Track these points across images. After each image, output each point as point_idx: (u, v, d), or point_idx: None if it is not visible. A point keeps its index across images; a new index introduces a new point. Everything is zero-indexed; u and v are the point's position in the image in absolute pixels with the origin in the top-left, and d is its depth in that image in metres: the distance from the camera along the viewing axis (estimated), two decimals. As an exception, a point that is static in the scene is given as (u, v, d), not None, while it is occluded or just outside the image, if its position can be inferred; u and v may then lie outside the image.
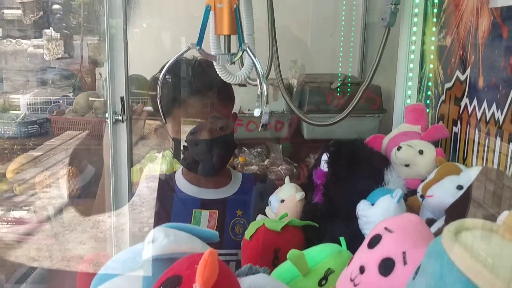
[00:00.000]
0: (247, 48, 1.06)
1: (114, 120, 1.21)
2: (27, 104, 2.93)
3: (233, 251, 1.24)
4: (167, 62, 1.38)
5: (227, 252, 1.25)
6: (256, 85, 1.15)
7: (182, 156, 1.33)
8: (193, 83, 1.32)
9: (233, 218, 1.33)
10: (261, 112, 1.08)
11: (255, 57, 1.07)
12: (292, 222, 0.99)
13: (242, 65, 1.17)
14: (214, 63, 1.10)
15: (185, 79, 1.33)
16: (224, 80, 1.12)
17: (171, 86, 1.33)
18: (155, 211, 1.36)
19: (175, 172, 1.43)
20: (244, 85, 2.10)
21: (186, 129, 1.31)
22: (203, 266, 0.56)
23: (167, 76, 1.37)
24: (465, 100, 1.07)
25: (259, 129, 1.13)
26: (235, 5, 1.03)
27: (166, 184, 1.41)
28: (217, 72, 1.12)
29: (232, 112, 1.44)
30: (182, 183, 1.38)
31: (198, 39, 1.06)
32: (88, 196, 1.56)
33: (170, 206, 1.35)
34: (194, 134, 1.29)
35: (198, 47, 1.06)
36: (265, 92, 1.07)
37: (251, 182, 1.43)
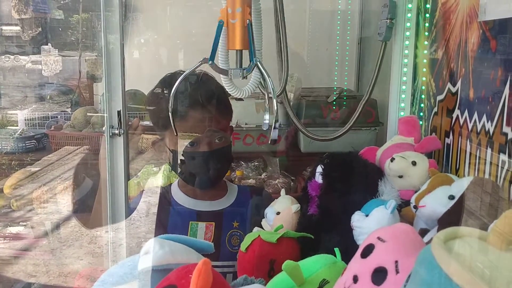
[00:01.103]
0: (258, 63, 1.08)
1: (111, 134, 1.22)
2: (25, 120, 2.95)
3: (230, 263, 1.23)
4: (165, 76, 1.40)
5: (224, 264, 1.24)
6: (264, 100, 1.17)
7: (179, 169, 1.34)
8: (191, 97, 1.32)
9: (230, 230, 1.33)
10: (271, 127, 1.10)
11: (266, 72, 1.08)
12: (287, 234, 1.00)
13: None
14: (222, 78, 1.12)
15: (184, 92, 1.33)
16: (232, 94, 1.14)
17: (172, 99, 1.33)
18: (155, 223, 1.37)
19: (171, 184, 1.43)
20: (241, 99, 2.12)
21: (183, 142, 1.31)
22: (197, 276, 0.57)
23: (164, 90, 1.39)
24: (457, 111, 1.09)
25: (269, 143, 1.14)
26: (247, 20, 1.05)
27: (162, 197, 1.41)
28: (224, 87, 1.13)
29: (229, 125, 1.45)
30: (179, 195, 1.38)
31: (211, 54, 1.07)
32: (86, 210, 1.57)
33: (166, 218, 1.36)
34: (191, 147, 1.30)
35: (210, 62, 1.08)
36: (275, 107, 1.08)
37: (247, 194, 1.44)
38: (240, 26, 1.04)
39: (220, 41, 1.07)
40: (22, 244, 2.66)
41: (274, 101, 1.08)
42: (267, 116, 1.12)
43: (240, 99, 2.09)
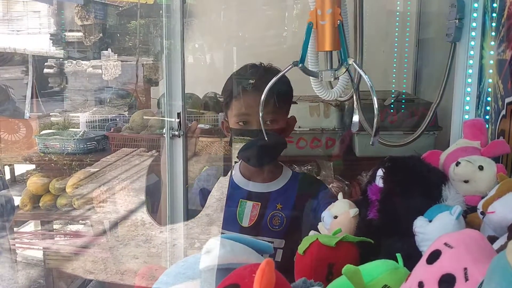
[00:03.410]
0: (353, 63, 1.07)
1: (171, 135, 1.25)
2: (86, 122, 3.06)
3: (268, 239, 1.37)
4: (246, 65, 1.53)
5: (263, 239, 1.34)
6: (345, 101, 1.16)
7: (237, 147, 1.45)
8: (255, 83, 1.43)
9: (273, 211, 1.44)
10: (375, 129, 1.08)
11: (362, 70, 1.07)
12: (346, 238, 0.98)
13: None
14: (311, 80, 1.12)
15: (249, 80, 1.45)
16: (321, 96, 1.16)
17: (236, 83, 1.47)
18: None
19: (235, 163, 1.54)
20: (295, 102, 2.11)
21: (240, 123, 1.43)
22: (260, 275, 0.57)
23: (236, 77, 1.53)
24: (527, 114, 1.04)
25: (371, 143, 1.12)
26: (338, 21, 1.04)
27: (226, 178, 1.54)
28: (313, 89, 1.13)
29: (290, 115, 1.54)
30: (237, 175, 1.50)
31: (301, 57, 1.08)
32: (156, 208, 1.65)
33: (225, 194, 1.50)
34: (243, 125, 1.43)
35: (300, 65, 1.08)
36: (377, 105, 1.07)
37: (296, 180, 1.52)
38: (330, 27, 1.03)
39: (309, 43, 1.07)
40: (82, 242, 2.76)
41: (375, 99, 1.06)
42: (356, 117, 1.11)
43: (294, 102, 2.09)
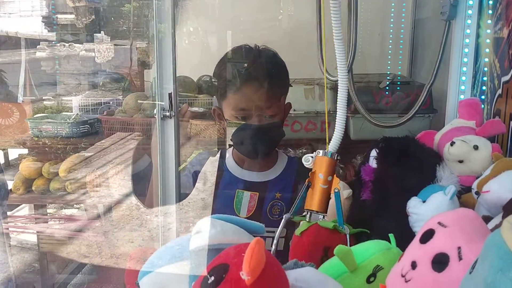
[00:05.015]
0: None
1: (162, 116, 1.23)
2: (79, 106, 3.03)
3: (269, 229, 1.30)
4: (234, 48, 1.46)
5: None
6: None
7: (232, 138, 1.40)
8: (249, 69, 1.38)
9: (272, 200, 1.41)
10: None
11: None
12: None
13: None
14: None
15: (243, 64, 1.40)
16: None
17: (230, 70, 1.41)
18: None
19: (226, 150, 1.49)
20: (290, 85, 2.09)
21: (236, 112, 1.36)
22: (250, 255, 0.56)
23: (227, 61, 1.46)
24: (524, 93, 1.02)
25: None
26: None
27: (216, 161, 1.49)
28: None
29: (286, 102, 1.48)
30: (231, 163, 1.45)
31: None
32: (144, 190, 1.62)
33: (218, 183, 1.44)
34: (243, 118, 1.36)
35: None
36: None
37: (294, 166, 1.48)
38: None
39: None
40: (76, 226, 2.76)
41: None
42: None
43: (289, 85, 2.07)
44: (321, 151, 0.97)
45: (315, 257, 0.92)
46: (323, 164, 0.96)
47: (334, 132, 0.97)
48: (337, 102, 0.97)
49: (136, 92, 2.99)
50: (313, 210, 0.97)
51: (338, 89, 0.97)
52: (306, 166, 0.98)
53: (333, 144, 0.98)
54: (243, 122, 1.35)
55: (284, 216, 0.97)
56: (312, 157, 0.99)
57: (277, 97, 1.39)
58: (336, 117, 0.97)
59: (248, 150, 1.38)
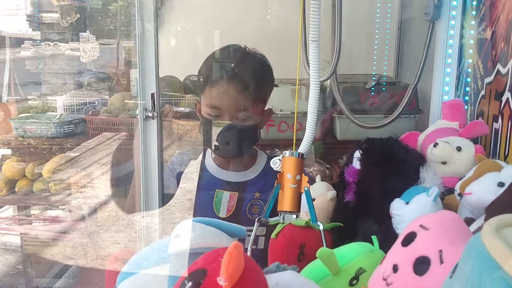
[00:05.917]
0: None
1: (144, 117, 1.21)
2: (64, 106, 3.00)
3: (249, 228, 1.30)
4: (226, 46, 1.46)
5: None
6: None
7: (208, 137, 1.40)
8: (230, 69, 1.37)
9: (251, 200, 1.41)
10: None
11: None
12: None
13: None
14: None
15: (226, 63, 1.39)
16: None
17: (211, 67, 1.41)
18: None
19: (206, 150, 1.48)
20: (276, 85, 2.08)
21: (211, 111, 1.36)
22: (227, 260, 0.54)
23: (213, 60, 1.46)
24: (507, 94, 1.02)
25: None
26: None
27: (198, 162, 1.49)
28: None
29: (267, 108, 1.48)
30: (209, 163, 1.45)
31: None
32: (124, 195, 1.60)
33: (198, 183, 1.44)
34: (215, 116, 1.35)
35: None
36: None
37: None
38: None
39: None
40: (61, 227, 2.73)
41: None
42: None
43: (276, 85, 2.06)
44: (287, 152, 0.97)
45: (291, 255, 0.92)
46: (291, 164, 0.96)
47: (305, 133, 0.97)
48: (308, 104, 0.97)
49: (122, 92, 2.96)
50: (286, 211, 0.96)
51: (310, 91, 0.97)
52: (275, 169, 0.98)
53: (304, 145, 0.97)
54: (217, 120, 1.36)
55: (256, 220, 0.96)
56: (279, 159, 0.98)
57: (253, 100, 1.38)
58: (307, 119, 0.97)
59: (218, 149, 1.38)
